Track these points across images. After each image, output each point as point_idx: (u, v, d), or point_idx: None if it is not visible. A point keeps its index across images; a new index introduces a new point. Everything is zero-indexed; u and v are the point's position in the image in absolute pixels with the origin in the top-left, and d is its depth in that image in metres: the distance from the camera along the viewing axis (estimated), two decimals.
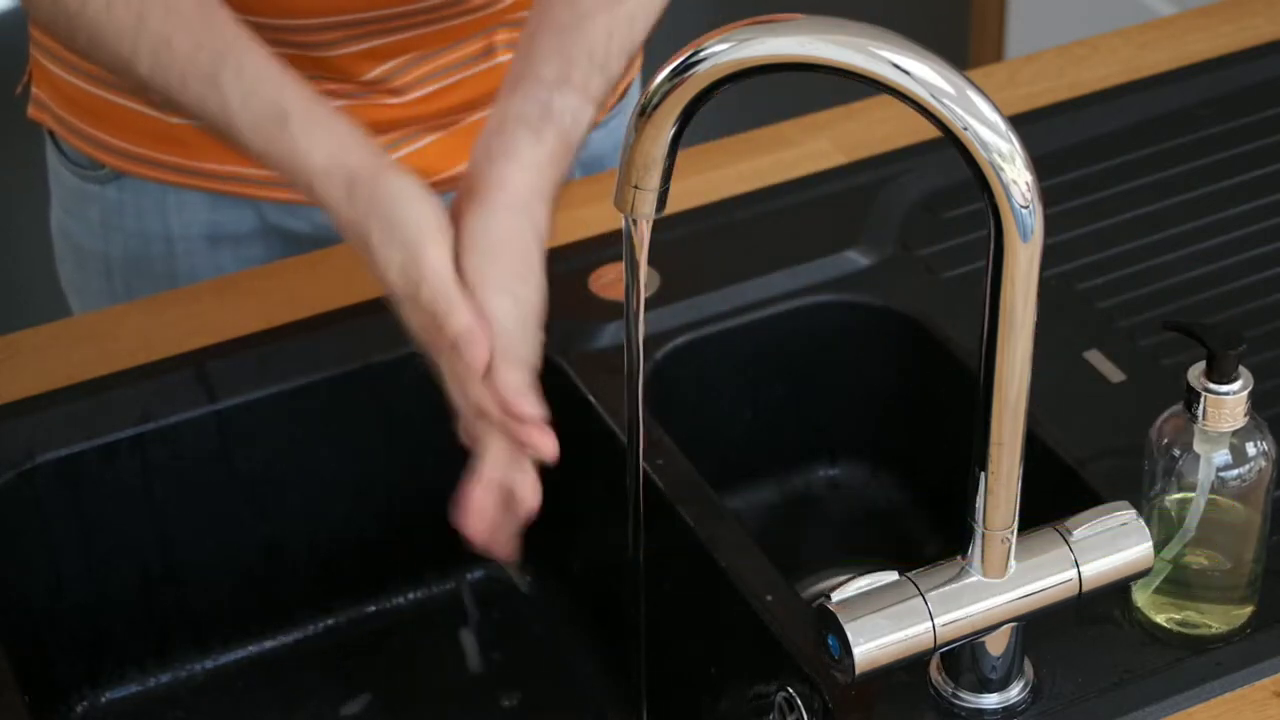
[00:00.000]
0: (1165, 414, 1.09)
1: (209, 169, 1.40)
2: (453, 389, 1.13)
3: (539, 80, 1.17)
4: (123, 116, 1.40)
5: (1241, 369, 1.06)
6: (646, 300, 1.04)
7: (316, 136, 1.13)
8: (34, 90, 1.47)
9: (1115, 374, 1.27)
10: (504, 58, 1.41)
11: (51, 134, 1.47)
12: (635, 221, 1.00)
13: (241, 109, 1.14)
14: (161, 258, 1.45)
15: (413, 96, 1.40)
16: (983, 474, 1.00)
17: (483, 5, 1.38)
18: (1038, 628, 1.08)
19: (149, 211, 1.44)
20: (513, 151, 1.15)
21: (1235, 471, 1.08)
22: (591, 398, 1.27)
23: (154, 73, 1.17)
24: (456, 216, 1.13)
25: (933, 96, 0.90)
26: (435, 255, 1.10)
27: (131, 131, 1.40)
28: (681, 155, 0.98)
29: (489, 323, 1.10)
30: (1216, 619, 1.11)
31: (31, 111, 1.48)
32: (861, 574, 1.02)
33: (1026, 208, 0.92)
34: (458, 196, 1.15)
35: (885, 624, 1.01)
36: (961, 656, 1.06)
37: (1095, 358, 1.29)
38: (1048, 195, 0.94)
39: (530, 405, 1.11)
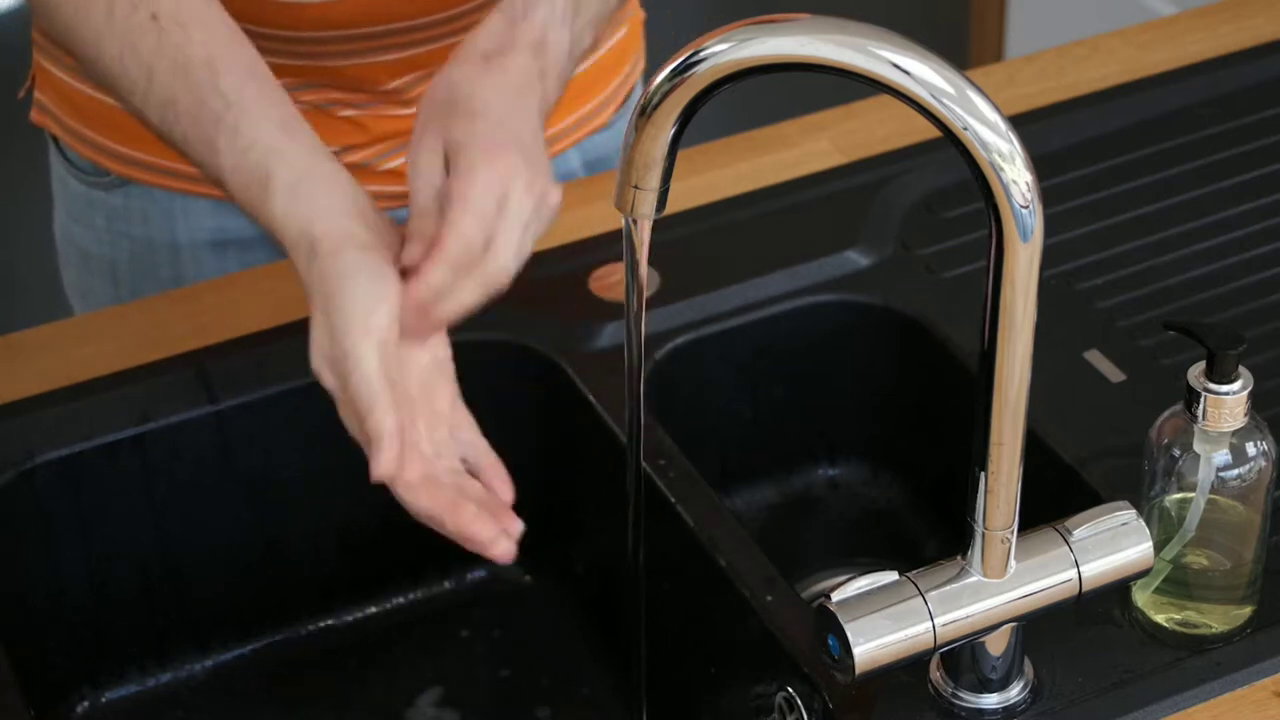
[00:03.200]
0: (1165, 414, 1.09)
1: None
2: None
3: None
4: (128, 123, 1.39)
5: (1241, 369, 1.06)
6: (646, 300, 1.04)
7: (295, 204, 1.12)
8: (37, 95, 1.47)
9: (1115, 374, 1.27)
10: None
11: (55, 139, 1.47)
12: (635, 221, 1.00)
13: (232, 173, 1.14)
14: (167, 264, 1.45)
15: None
16: (983, 474, 1.00)
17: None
18: (1038, 628, 1.08)
19: (155, 218, 1.44)
20: (539, 39, 1.16)
21: (1235, 471, 1.08)
22: (591, 398, 1.27)
23: (162, 128, 1.17)
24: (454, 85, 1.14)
25: (933, 96, 0.90)
26: (363, 351, 1.08)
27: (137, 138, 1.40)
28: (681, 155, 0.98)
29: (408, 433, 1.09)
30: (1216, 619, 1.11)
31: (35, 116, 1.47)
32: (861, 574, 1.02)
33: (1026, 208, 0.92)
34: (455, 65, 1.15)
35: (885, 624, 1.01)
36: (961, 656, 1.06)
37: (1095, 358, 1.29)
38: (1048, 195, 0.94)
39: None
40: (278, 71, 1.19)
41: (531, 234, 1.12)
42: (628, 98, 1.53)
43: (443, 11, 1.35)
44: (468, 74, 1.14)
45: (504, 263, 1.10)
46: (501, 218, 1.10)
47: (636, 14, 1.53)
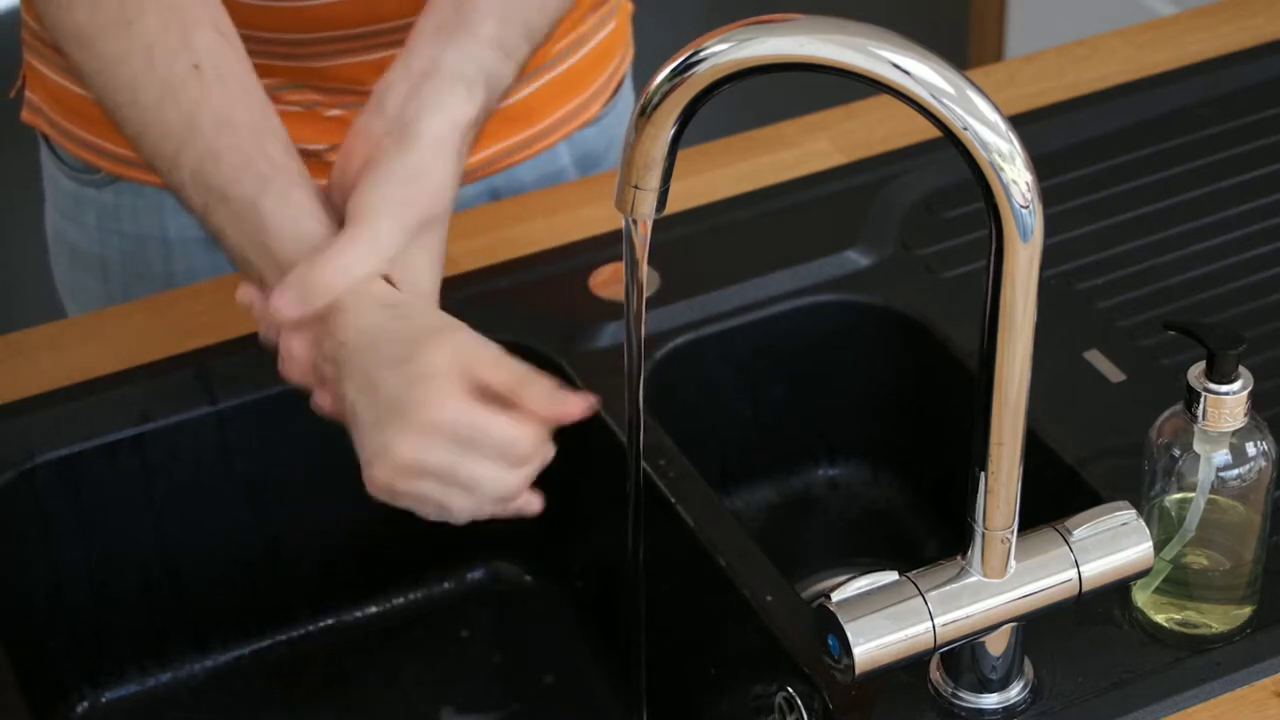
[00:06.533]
0: (1165, 414, 1.09)
1: None
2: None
3: (476, 38, 1.16)
4: None
5: (1241, 369, 1.06)
6: (646, 300, 1.04)
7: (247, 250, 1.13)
8: (28, 94, 1.47)
9: (1115, 374, 1.27)
10: None
11: (46, 138, 1.47)
12: (635, 221, 1.00)
13: (276, 236, 1.12)
14: (159, 261, 1.45)
15: None
16: (983, 474, 1.00)
17: None
18: (1038, 628, 1.08)
19: (146, 215, 1.44)
20: (444, 104, 1.14)
21: (1235, 471, 1.08)
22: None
23: (194, 181, 1.15)
24: (354, 156, 1.13)
25: (933, 96, 0.90)
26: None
27: None
28: (681, 155, 0.98)
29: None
30: (1216, 619, 1.11)
31: (25, 116, 1.47)
32: (861, 574, 1.02)
33: (1026, 208, 0.92)
34: (356, 134, 1.15)
35: (885, 624, 1.01)
36: (961, 656, 1.06)
37: (1095, 358, 1.29)
38: (1048, 195, 0.94)
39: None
40: (263, 72, 1.19)
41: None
42: (616, 91, 1.53)
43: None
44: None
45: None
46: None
47: (625, 6, 1.53)
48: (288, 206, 1.12)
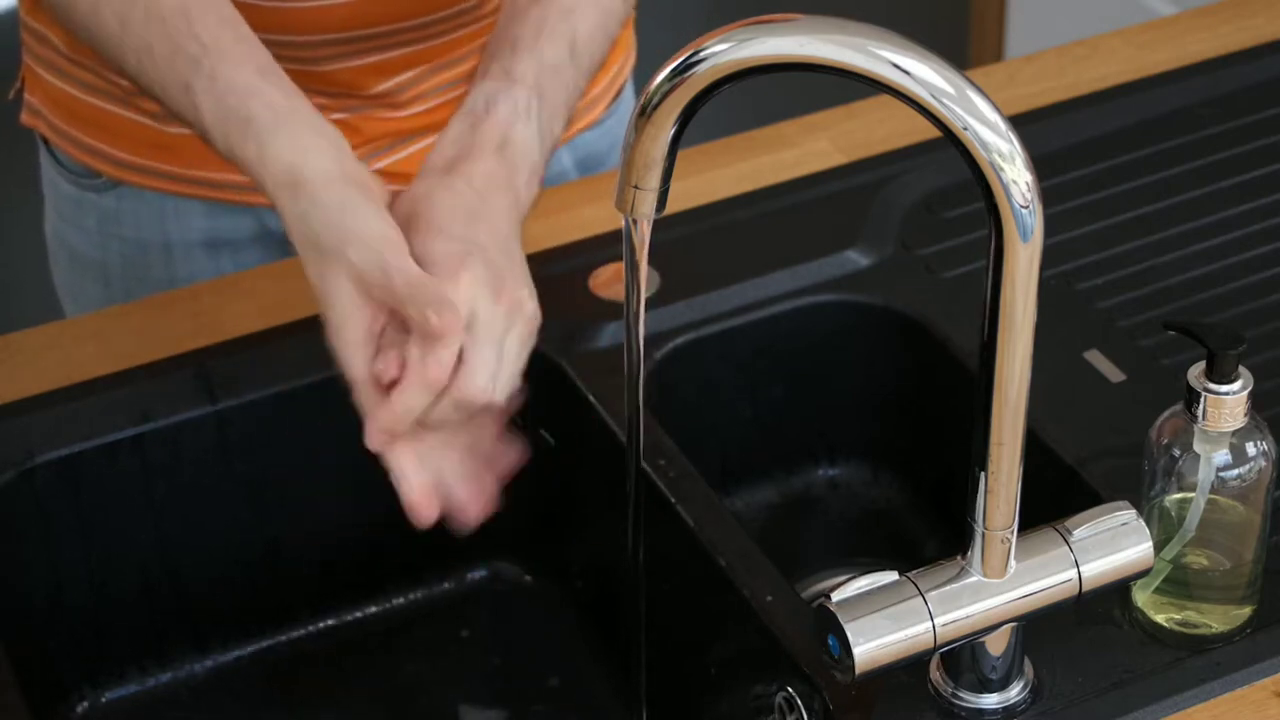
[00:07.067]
0: (1165, 414, 1.09)
1: (206, 177, 1.40)
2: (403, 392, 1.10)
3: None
4: (118, 125, 1.40)
5: (1241, 369, 1.06)
6: (646, 300, 1.04)
7: (278, 144, 1.11)
8: (27, 96, 1.47)
9: (1115, 374, 1.27)
10: None
11: (45, 141, 1.47)
12: (635, 221, 1.00)
13: (211, 116, 1.13)
14: (160, 265, 1.45)
15: (414, 110, 1.40)
16: (983, 474, 1.00)
17: (480, 17, 1.38)
18: (1038, 628, 1.08)
19: (147, 220, 1.44)
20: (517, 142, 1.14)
21: (1235, 471, 1.08)
22: (591, 398, 1.27)
23: (139, 77, 1.16)
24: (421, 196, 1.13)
25: (933, 96, 0.90)
26: (396, 257, 1.08)
27: (127, 140, 1.40)
28: (681, 155, 0.98)
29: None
30: (1216, 619, 1.11)
31: (25, 118, 1.47)
32: (861, 574, 1.02)
33: (1026, 208, 0.92)
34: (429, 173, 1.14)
35: (885, 624, 1.01)
36: (961, 656, 1.06)
37: (1095, 358, 1.29)
38: (1048, 195, 0.94)
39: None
40: None
41: (513, 345, 1.09)
42: (618, 95, 1.53)
43: (429, 15, 1.35)
44: (429, 187, 1.12)
45: (480, 382, 1.08)
46: (470, 335, 1.07)
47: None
48: (215, 85, 1.12)
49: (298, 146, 1.11)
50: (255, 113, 1.11)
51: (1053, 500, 1.13)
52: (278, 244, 1.45)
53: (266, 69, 1.14)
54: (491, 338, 1.09)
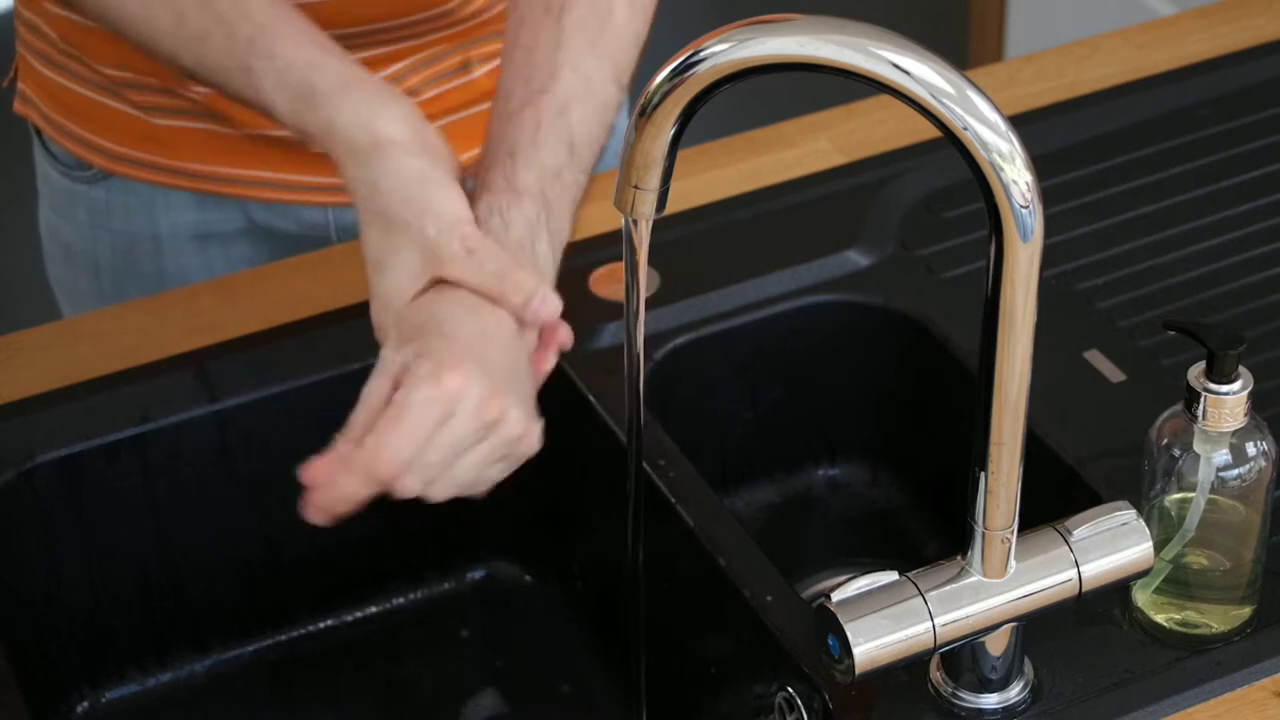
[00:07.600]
0: (1165, 414, 1.09)
1: (195, 169, 1.40)
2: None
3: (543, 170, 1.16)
4: (109, 116, 1.40)
5: (1241, 369, 1.06)
6: (646, 300, 1.04)
7: (347, 107, 1.11)
8: (20, 85, 1.47)
9: (1115, 374, 1.27)
10: (479, 73, 1.41)
11: (38, 132, 1.47)
12: (635, 221, 1.00)
13: (276, 93, 1.13)
14: (149, 257, 1.45)
15: None
16: (983, 474, 1.00)
17: (460, 20, 1.38)
18: (1038, 628, 1.08)
19: (136, 211, 1.44)
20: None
21: (1235, 471, 1.08)
22: (591, 398, 1.27)
23: (199, 68, 1.17)
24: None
25: (933, 96, 0.90)
26: (481, 240, 1.09)
27: (117, 132, 1.40)
28: (681, 155, 0.98)
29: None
30: (1216, 619, 1.11)
31: (17, 107, 1.47)
32: (861, 574, 1.02)
33: (1026, 208, 0.92)
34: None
35: (885, 624, 1.01)
36: (961, 656, 1.06)
37: (1095, 358, 1.29)
38: (1048, 195, 0.94)
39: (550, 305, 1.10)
40: None
41: (479, 460, 1.06)
42: None
43: (407, 16, 1.35)
44: (449, 301, 1.10)
45: (417, 486, 1.04)
46: (438, 436, 1.04)
47: None
48: (274, 61, 1.12)
49: (368, 112, 1.11)
50: (319, 84, 1.12)
51: (1053, 500, 1.13)
52: (266, 238, 1.45)
53: (323, 41, 1.15)
54: (453, 444, 1.05)
